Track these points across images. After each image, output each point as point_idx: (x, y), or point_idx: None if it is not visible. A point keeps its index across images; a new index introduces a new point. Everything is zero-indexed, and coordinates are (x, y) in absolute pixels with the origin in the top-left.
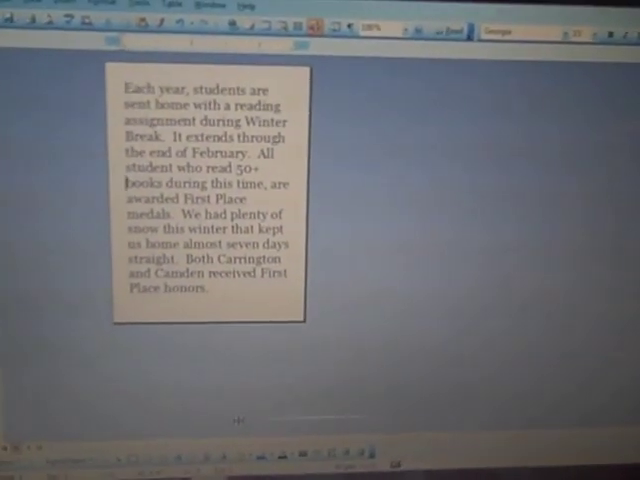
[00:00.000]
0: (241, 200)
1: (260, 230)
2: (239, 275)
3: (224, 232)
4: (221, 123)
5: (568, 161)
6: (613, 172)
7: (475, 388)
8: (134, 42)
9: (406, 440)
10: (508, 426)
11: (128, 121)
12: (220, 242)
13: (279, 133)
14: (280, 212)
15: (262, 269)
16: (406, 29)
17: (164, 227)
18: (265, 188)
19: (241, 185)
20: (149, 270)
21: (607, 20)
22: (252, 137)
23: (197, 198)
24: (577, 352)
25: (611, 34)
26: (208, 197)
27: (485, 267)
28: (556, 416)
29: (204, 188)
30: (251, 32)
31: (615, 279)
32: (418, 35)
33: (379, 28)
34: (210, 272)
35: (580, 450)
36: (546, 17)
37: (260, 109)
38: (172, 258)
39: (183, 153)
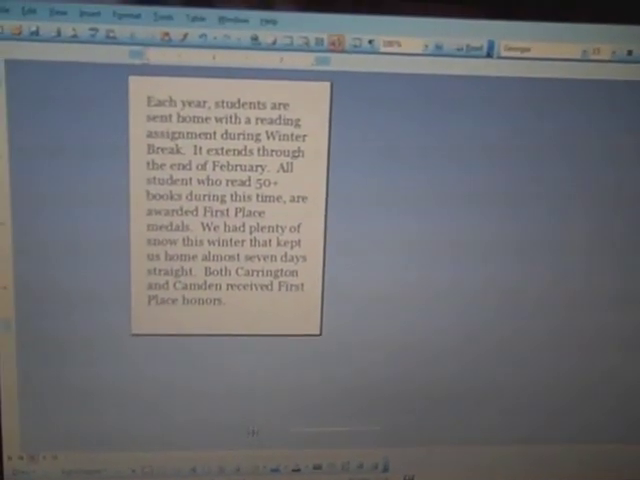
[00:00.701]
0: (260, 214)
1: (278, 243)
2: (256, 288)
3: (242, 245)
4: (241, 137)
5: (585, 176)
6: (630, 188)
7: (492, 401)
8: (157, 56)
9: (420, 454)
10: (526, 440)
11: (150, 134)
12: (238, 255)
13: (299, 147)
14: (298, 226)
15: (279, 282)
16: (426, 45)
17: (183, 240)
18: (284, 202)
19: (260, 199)
20: (167, 282)
21: (626, 38)
22: (272, 151)
23: (216, 211)
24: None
25: (630, 52)
26: (227, 210)
27: (504, 271)
28: (587, 430)
29: (223, 201)
30: (273, 47)
31: (622, 288)
32: (438, 52)
33: (400, 44)
34: (228, 285)
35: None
36: (566, 35)
37: (280, 123)
38: (190, 270)
39: (203, 166)
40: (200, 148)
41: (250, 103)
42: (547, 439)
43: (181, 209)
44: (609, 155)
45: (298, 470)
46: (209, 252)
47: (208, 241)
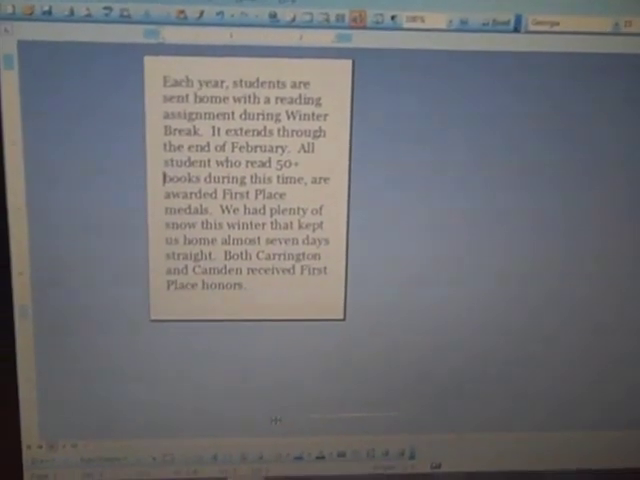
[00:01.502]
0: (281, 196)
1: (300, 226)
2: (278, 272)
3: (263, 228)
4: (261, 117)
5: (617, 151)
6: None
7: (521, 387)
8: (173, 35)
9: (447, 441)
10: (555, 427)
11: (166, 115)
12: (259, 238)
13: (320, 127)
14: (320, 208)
15: (302, 266)
16: (451, 21)
17: (202, 223)
18: (305, 183)
19: (281, 180)
20: (186, 267)
21: None
22: (292, 131)
23: (236, 194)
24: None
25: None
26: (247, 193)
27: (528, 247)
28: (615, 417)
29: (243, 183)
30: (292, 24)
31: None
32: (463, 27)
33: (423, 20)
34: (248, 269)
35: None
36: (596, 7)
37: (301, 103)
38: (210, 255)
39: (222, 148)
40: (218, 129)
41: (269, 82)
42: (572, 425)
43: (200, 192)
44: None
45: (322, 457)
46: (229, 235)
47: (228, 224)
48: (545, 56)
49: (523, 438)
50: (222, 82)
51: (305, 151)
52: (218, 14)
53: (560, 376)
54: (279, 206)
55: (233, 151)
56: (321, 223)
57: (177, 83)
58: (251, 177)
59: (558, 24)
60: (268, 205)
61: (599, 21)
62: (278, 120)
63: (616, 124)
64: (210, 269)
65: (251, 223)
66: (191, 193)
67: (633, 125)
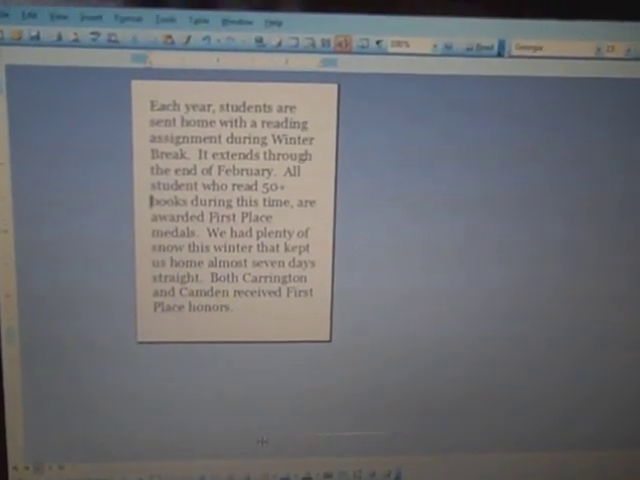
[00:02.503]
0: (267, 218)
1: (286, 249)
2: (264, 294)
3: (249, 251)
4: (247, 141)
5: (600, 176)
6: None
7: (507, 408)
8: (160, 59)
9: (433, 463)
10: (544, 448)
11: (153, 139)
12: (245, 261)
13: (306, 151)
14: (307, 231)
15: (288, 288)
16: (435, 45)
17: (189, 246)
18: (291, 206)
19: (267, 203)
20: (173, 289)
21: None
22: (278, 155)
23: (222, 216)
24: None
25: None
26: (234, 215)
27: (512, 277)
28: (604, 437)
29: (230, 206)
30: (278, 49)
31: (629, 290)
32: (448, 51)
33: (408, 44)
34: (235, 291)
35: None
36: (578, 33)
37: (287, 127)
38: (197, 277)
39: (209, 171)
40: (205, 152)
41: (256, 106)
42: (564, 445)
43: (186, 215)
44: (623, 156)
45: (309, 478)
46: (215, 258)
47: (214, 247)
48: (528, 80)
49: (509, 459)
50: (209, 106)
51: (291, 174)
52: (205, 39)
53: (550, 396)
54: (265, 229)
55: (220, 174)
56: (307, 246)
57: (164, 107)
58: (237, 200)
59: (541, 49)
60: (254, 228)
61: (582, 46)
62: (264, 144)
63: (599, 146)
64: (197, 291)
65: (237, 246)
66: (178, 216)
67: (616, 146)
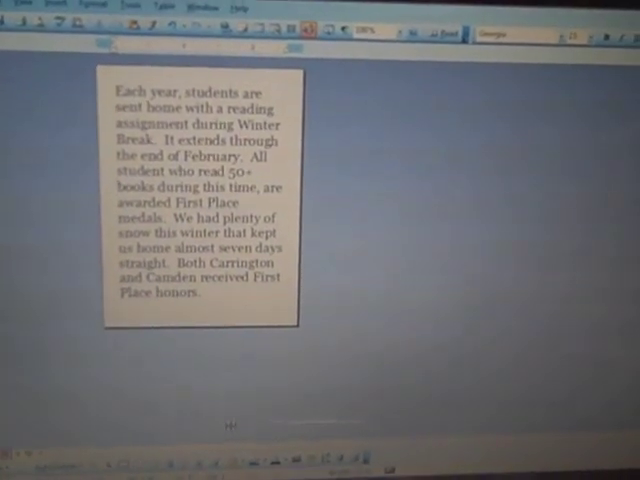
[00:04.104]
0: (234, 204)
1: (253, 234)
2: (231, 279)
3: (216, 236)
4: (213, 126)
5: (566, 164)
6: (612, 174)
7: (472, 391)
8: (126, 45)
9: (401, 445)
10: (506, 430)
11: (119, 124)
12: (212, 246)
13: (272, 136)
14: (273, 216)
15: (255, 273)
16: (400, 32)
17: (155, 231)
18: (258, 192)
19: (234, 189)
20: (140, 274)
21: (603, 22)
22: (245, 140)
23: (189, 202)
24: (577, 354)
25: (607, 37)
26: (200, 201)
27: (481, 270)
28: (554, 420)
29: (196, 192)
30: (244, 35)
31: (616, 282)
32: (412, 38)
33: (373, 31)
34: (202, 276)
35: (579, 454)
36: (542, 19)
37: (253, 112)
38: (164, 262)
39: (175, 156)
40: (171, 138)
41: (222, 92)
42: (526, 428)
43: (153, 200)
44: (590, 140)
45: (277, 463)
46: (182, 243)
47: (181, 232)
48: (492, 67)
49: (476, 441)
50: (175, 91)
51: (258, 160)
52: (170, 24)
53: (514, 382)
54: (232, 214)
55: (186, 160)
56: (274, 231)
57: (130, 92)
58: (204, 185)
59: (505, 35)
60: (221, 213)
61: (545, 32)
62: (231, 129)
63: (562, 133)
64: (164, 277)
65: (204, 231)
66: (144, 201)
67: (579, 133)
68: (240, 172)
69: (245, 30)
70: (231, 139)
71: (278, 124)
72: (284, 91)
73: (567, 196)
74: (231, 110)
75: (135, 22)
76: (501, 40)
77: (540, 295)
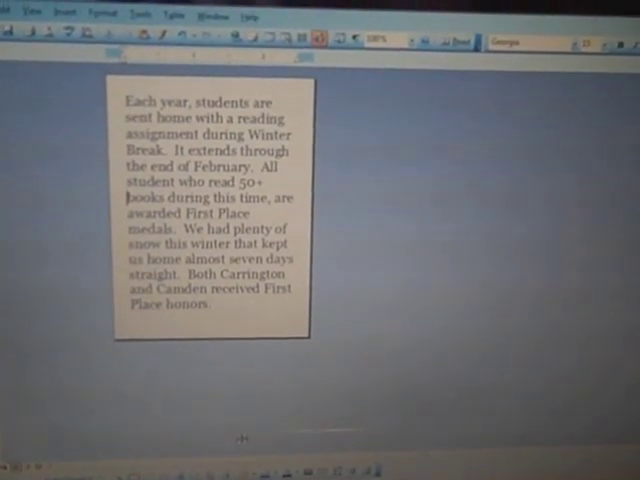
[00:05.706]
0: (244, 214)
1: (264, 245)
2: (242, 290)
3: (227, 247)
4: (224, 136)
5: (578, 171)
6: (624, 183)
7: (485, 403)
8: (135, 54)
9: (413, 458)
10: (521, 442)
11: (129, 134)
12: (223, 257)
13: (283, 146)
14: (284, 226)
15: (266, 284)
16: (412, 40)
17: (166, 242)
18: (269, 202)
19: (244, 199)
20: (151, 286)
21: (617, 30)
22: (255, 150)
23: (199, 212)
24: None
25: (621, 44)
26: (211, 211)
27: (493, 273)
28: (572, 433)
29: (207, 202)
30: (254, 44)
31: (620, 285)
32: (424, 46)
33: (385, 39)
34: (213, 287)
35: (597, 468)
36: (555, 27)
37: (264, 122)
38: (174, 273)
39: (185, 167)
40: (181, 148)
41: (232, 101)
42: (540, 441)
43: (163, 211)
44: (602, 149)
45: (289, 476)
46: (193, 254)
47: (192, 243)
48: (505, 75)
49: (489, 455)
50: (185, 101)
51: (268, 170)
52: (180, 34)
53: (528, 394)
54: (243, 225)
55: (196, 170)
56: (285, 241)
57: (140, 102)
58: (214, 196)
59: (517, 43)
60: (232, 224)
61: (558, 40)
62: (241, 139)
63: (577, 141)
64: (174, 288)
65: (215, 242)
66: (155, 212)
67: (591, 143)
68: (251, 182)
69: (255, 39)
70: (242, 149)
71: (289, 134)
72: (295, 100)
73: (577, 201)
74: (241, 120)
75: (145, 32)
76: (514, 48)
77: (566, 296)
